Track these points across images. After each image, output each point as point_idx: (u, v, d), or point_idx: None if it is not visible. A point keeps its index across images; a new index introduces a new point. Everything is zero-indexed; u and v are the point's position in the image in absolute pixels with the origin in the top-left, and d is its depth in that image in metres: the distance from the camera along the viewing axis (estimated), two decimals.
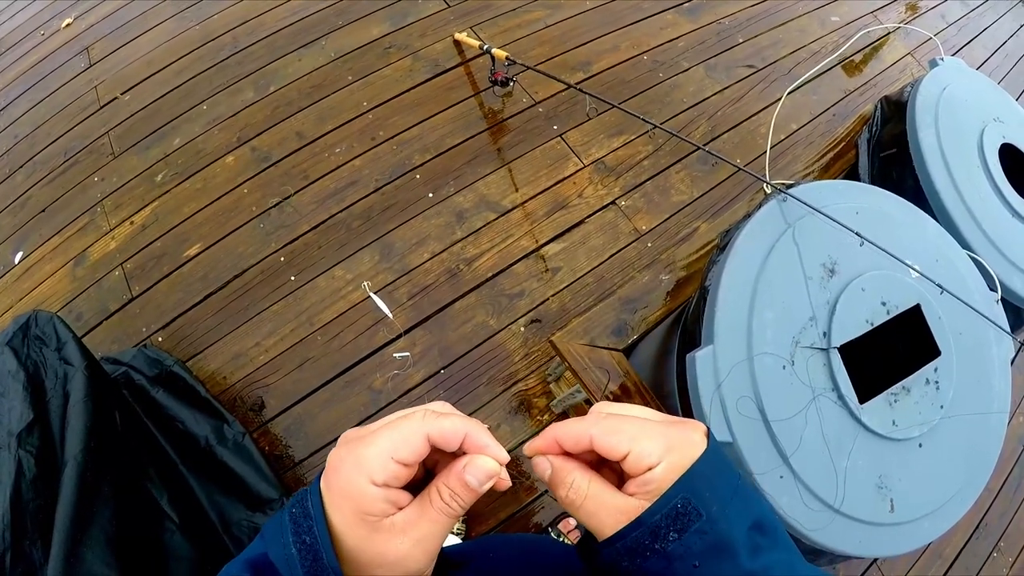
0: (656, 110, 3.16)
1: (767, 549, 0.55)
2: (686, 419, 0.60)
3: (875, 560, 2.60)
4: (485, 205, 2.80)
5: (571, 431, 0.58)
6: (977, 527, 2.79)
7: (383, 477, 0.51)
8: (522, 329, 2.58)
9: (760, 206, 1.90)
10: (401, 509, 0.53)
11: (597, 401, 1.87)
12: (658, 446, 0.54)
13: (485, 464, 0.54)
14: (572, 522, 2.30)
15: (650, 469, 0.54)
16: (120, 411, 1.99)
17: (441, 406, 0.58)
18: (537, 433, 2.36)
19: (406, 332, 2.54)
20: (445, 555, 0.61)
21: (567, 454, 0.59)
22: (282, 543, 0.52)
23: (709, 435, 0.59)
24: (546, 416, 2.45)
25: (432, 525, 0.53)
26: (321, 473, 0.55)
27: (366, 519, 0.51)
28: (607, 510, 0.55)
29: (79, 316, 2.66)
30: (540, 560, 0.91)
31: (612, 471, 0.60)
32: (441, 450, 0.55)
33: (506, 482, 0.57)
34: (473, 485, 0.54)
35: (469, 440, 0.55)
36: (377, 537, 0.52)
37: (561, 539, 2.18)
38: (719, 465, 0.56)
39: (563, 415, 2.45)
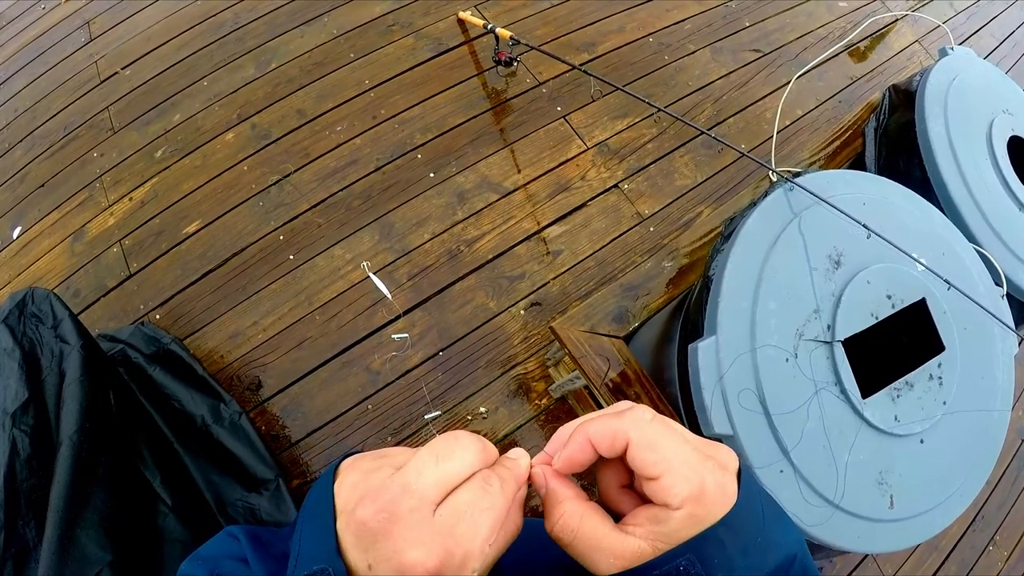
0: (661, 93, 3.12)
1: None
2: (722, 453, 0.54)
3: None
4: (487, 186, 2.77)
5: (607, 429, 0.53)
6: (974, 519, 2.79)
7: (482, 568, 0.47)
8: (522, 312, 2.56)
9: (766, 194, 1.89)
10: None
11: (597, 388, 1.87)
12: (689, 488, 0.49)
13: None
14: None
15: (668, 506, 0.49)
16: (116, 390, 1.98)
17: (468, 439, 0.53)
18: (537, 416, 2.37)
19: (405, 313, 2.53)
20: None
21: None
22: None
23: (741, 482, 0.53)
24: (544, 400, 2.44)
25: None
26: (329, 527, 0.48)
27: None
28: (600, 553, 0.51)
29: (76, 292, 2.64)
30: (548, 541, 0.88)
31: (624, 468, 0.57)
32: None
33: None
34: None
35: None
36: None
37: None
38: (742, 520, 0.51)
39: (561, 400, 2.44)
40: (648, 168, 2.90)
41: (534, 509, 2.38)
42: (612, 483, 0.58)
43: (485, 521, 0.48)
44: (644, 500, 0.54)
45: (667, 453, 0.50)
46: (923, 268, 1.84)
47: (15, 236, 2.86)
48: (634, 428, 0.52)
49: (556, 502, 0.54)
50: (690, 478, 0.49)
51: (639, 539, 0.49)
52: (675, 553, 0.48)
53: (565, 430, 0.58)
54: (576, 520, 0.52)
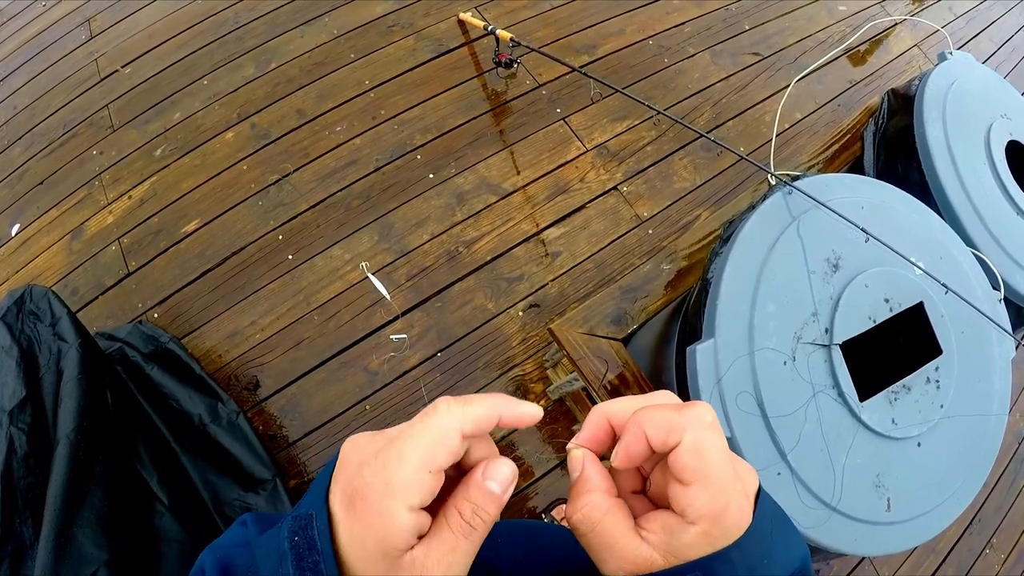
0: (660, 95, 3.13)
1: None
2: (749, 476, 0.53)
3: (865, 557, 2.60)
4: (486, 187, 2.77)
5: (664, 423, 0.50)
6: (971, 522, 2.80)
7: (420, 498, 0.46)
8: (520, 313, 2.57)
9: (765, 198, 1.89)
10: (421, 539, 0.47)
11: (595, 390, 1.87)
12: (712, 507, 0.48)
13: (504, 467, 0.50)
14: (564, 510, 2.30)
15: (684, 516, 0.48)
16: (114, 389, 1.98)
17: (447, 399, 0.50)
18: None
19: (404, 314, 2.53)
20: None
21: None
22: (279, 571, 0.46)
23: (758, 504, 0.51)
24: (542, 402, 2.44)
25: (455, 554, 0.47)
26: (324, 488, 0.49)
27: (389, 554, 0.45)
28: (611, 553, 0.49)
29: (74, 290, 2.64)
30: (547, 544, 0.88)
31: (639, 475, 0.56)
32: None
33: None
34: (496, 491, 0.49)
35: (505, 417, 0.51)
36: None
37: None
38: (752, 543, 0.50)
39: (559, 402, 2.45)
40: (647, 170, 2.91)
41: (532, 511, 2.37)
42: (626, 486, 0.56)
43: (427, 432, 0.47)
44: (655, 505, 0.54)
45: (709, 466, 0.48)
46: (921, 272, 1.85)
47: (13, 233, 2.86)
48: (692, 429, 0.49)
49: (584, 491, 0.52)
50: (716, 497, 0.48)
51: (652, 548, 0.49)
52: (683, 569, 0.47)
53: (598, 414, 0.55)
54: (599, 514, 0.50)
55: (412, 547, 0.46)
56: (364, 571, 0.45)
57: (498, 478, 0.49)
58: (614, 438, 0.54)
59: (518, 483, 2.29)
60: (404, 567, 0.45)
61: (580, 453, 0.54)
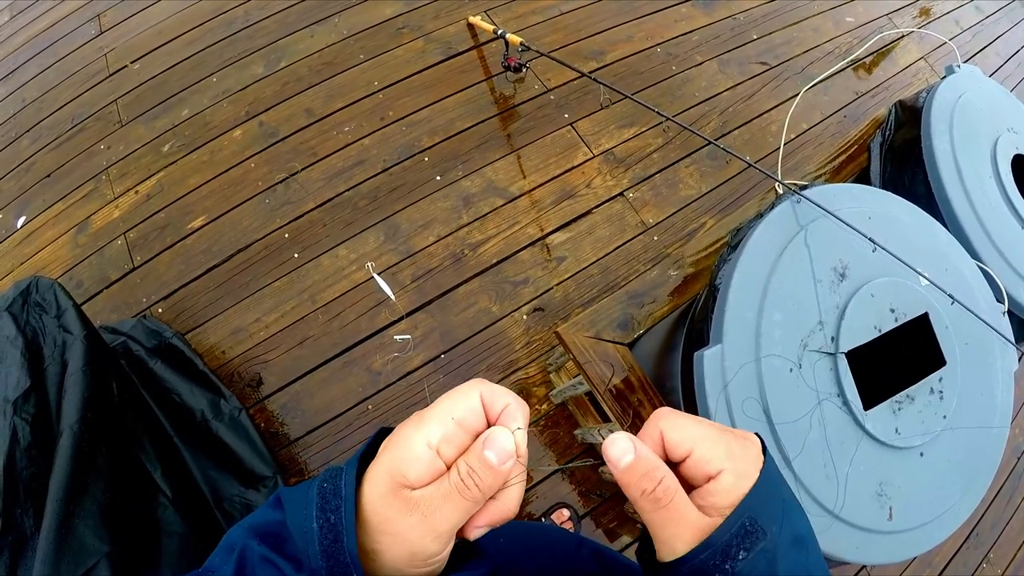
0: (667, 103, 3.14)
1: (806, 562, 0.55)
2: (740, 430, 0.59)
3: (865, 566, 2.60)
4: (492, 191, 2.78)
5: (644, 432, 0.57)
6: (968, 536, 2.80)
7: (439, 435, 0.51)
8: (524, 317, 2.57)
9: (773, 206, 1.89)
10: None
11: (600, 394, 1.87)
12: (719, 451, 0.54)
13: (502, 438, 0.53)
14: (566, 513, 2.30)
15: (711, 478, 0.53)
16: (117, 382, 1.98)
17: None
18: (537, 422, 2.38)
19: (408, 315, 2.53)
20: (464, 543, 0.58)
21: None
22: (304, 515, 0.51)
23: (764, 448, 0.58)
24: (545, 405, 2.45)
25: (444, 503, 0.50)
26: (358, 454, 0.55)
27: (398, 489, 0.50)
28: (684, 523, 0.53)
29: (79, 284, 2.65)
30: (548, 544, 0.90)
31: None
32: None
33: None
34: (492, 461, 0.52)
35: (509, 408, 0.55)
36: (399, 512, 0.50)
37: None
38: (775, 481, 0.56)
39: (562, 406, 2.45)
40: (653, 177, 2.92)
41: (530, 515, 2.37)
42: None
43: (456, 391, 0.56)
44: None
45: (691, 431, 0.55)
46: (926, 283, 1.85)
47: (19, 225, 2.86)
48: (661, 418, 0.57)
49: (654, 467, 0.54)
50: (717, 443, 0.54)
51: (713, 517, 0.53)
52: (739, 512, 0.51)
53: (655, 427, 0.58)
54: (673, 491, 0.53)
55: (421, 487, 0.51)
56: (378, 507, 0.51)
57: (494, 448, 0.52)
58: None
59: None
60: (409, 501, 0.50)
61: (624, 436, 0.55)
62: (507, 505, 0.55)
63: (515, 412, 0.55)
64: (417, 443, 0.51)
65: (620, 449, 0.54)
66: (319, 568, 0.49)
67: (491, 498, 0.54)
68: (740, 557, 0.50)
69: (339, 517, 0.50)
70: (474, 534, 0.55)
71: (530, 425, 2.38)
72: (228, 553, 0.53)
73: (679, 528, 0.52)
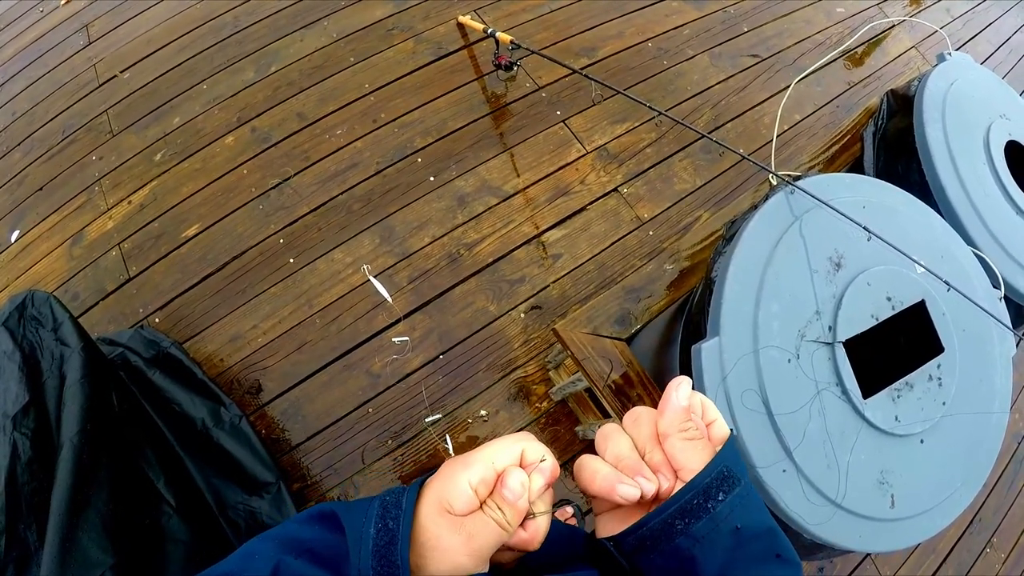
0: (660, 97, 3.14)
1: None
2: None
3: (869, 554, 2.60)
4: (487, 190, 2.78)
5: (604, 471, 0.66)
6: (971, 522, 2.80)
7: (479, 477, 0.58)
8: (522, 315, 2.57)
9: (767, 198, 1.89)
10: None
11: (599, 390, 1.87)
12: (711, 406, 0.67)
13: (513, 479, 0.59)
14: (569, 510, 2.30)
15: (709, 424, 0.66)
16: (117, 393, 1.97)
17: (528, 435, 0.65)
18: (538, 419, 2.38)
19: (405, 316, 2.53)
20: None
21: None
22: (364, 521, 0.57)
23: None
24: (544, 403, 2.45)
25: (485, 529, 0.58)
26: (421, 480, 0.62)
27: (445, 512, 0.58)
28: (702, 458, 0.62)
29: (75, 296, 2.64)
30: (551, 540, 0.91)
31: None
32: None
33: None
34: (508, 497, 0.59)
35: (543, 464, 0.62)
36: (447, 530, 0.57)
37: None
38: (734, 445, 0.65)
39: (562, 403, 2.45)
40: (647, 172, 2.91)
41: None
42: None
43: (501, 440, 0.63)
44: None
45: (619, 437, 0.67)
46: (922, 270, 1.85)
47: (13, 239, 2.85)
48: (598, 439, 0.69)
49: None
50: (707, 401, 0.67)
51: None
52: (716, 461, 0.61)
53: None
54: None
55: (467, 515, 0.58)
56: (430, 525, 0.58)
57: (508, 485, 0.59)
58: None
59: None
60: (456, 523, 0.57)
61: (687, 379, 0.67)
62: (531, 535, 0.62)
63: (539, 461, 0.63)
64: (462, 481, 0.58)
65: (684, 393, 0.64)
66: (367, 568, 0.54)
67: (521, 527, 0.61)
68: (719, 498, 0.59)
69: (397, 524, 0.57)
70: (504, 557, 0.65)
71: (530, 424, 2.39)
72: (248, 560, 0.58)
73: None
